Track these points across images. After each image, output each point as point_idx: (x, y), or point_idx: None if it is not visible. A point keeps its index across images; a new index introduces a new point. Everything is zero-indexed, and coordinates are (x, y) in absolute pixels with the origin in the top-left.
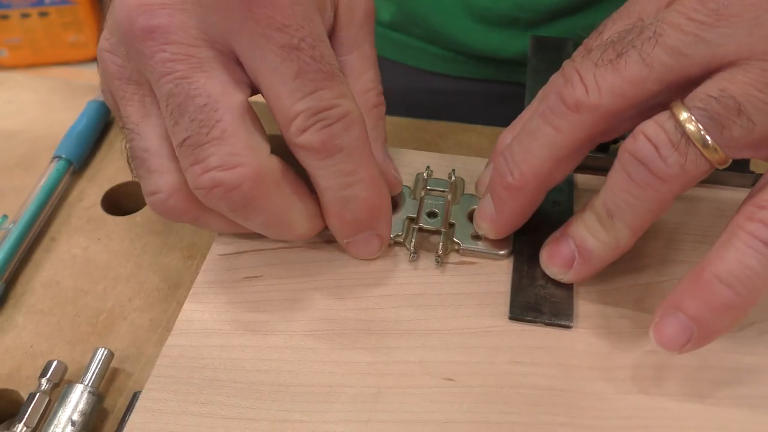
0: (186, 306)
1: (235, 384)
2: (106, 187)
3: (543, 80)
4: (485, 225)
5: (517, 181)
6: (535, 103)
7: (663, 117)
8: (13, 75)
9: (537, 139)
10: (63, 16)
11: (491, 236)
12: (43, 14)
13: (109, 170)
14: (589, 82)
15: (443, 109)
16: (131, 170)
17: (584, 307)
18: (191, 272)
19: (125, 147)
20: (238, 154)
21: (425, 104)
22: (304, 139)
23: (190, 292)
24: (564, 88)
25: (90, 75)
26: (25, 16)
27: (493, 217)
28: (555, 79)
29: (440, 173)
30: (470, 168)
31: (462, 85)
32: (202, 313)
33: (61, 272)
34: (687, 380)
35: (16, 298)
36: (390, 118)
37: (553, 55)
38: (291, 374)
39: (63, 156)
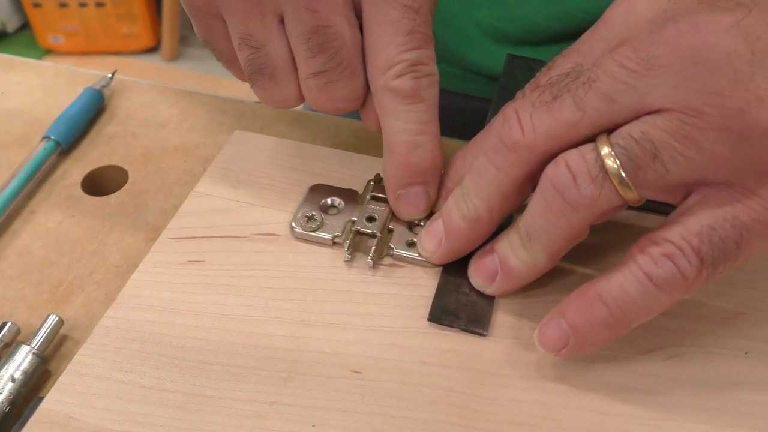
0: (130, 282)
1: (159, 357)
2: (89, 168)
3: (509, 99)
4: (431, 246)
5: (470, 212)
6: (485, 129)
7: (587, 149)
8: (26, 60)
9: (483, 176)
10: (118, 8)
11: (434, 260)
12: (99, 5)
13: (94, 154)
14: (525, 123)
15: (451, 126)
16: (251, 79)
17: (502, 317)
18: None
19: (246, 59)
20: (359, 89)
21: None
22: (398, 82)
23: (137, 269)
24: (502, 128)
25: (139, 66)
26: (83, 5)
27: (441, 241)
28: (496, 118)
29: None
30: None
31: (471, 104)
32: (142, 290)
33: (34, 243)
34: (578, 392)
35: None
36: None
37: (525, 74)
38: (211, 353)
39: (52, 137)
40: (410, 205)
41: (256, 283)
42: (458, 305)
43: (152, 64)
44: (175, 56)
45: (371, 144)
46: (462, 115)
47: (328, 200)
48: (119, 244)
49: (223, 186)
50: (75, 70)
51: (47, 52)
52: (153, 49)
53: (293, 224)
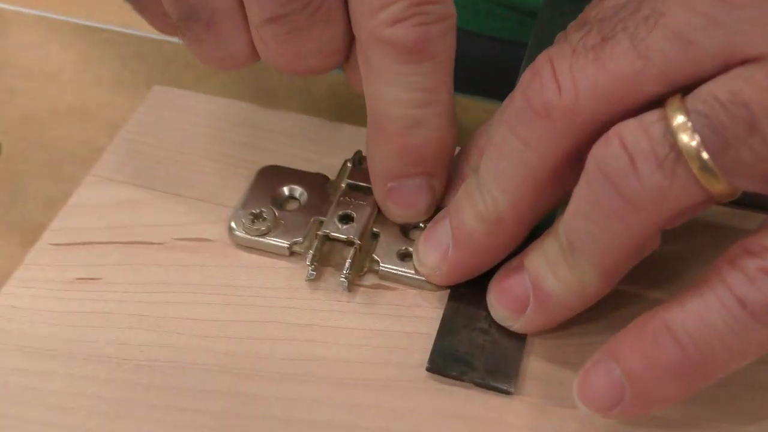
0: None
1: (27, 425)
2: None
3: (551, 43)
4: (432, 260)
5: (488, 210)
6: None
7: (651, 117)
8: None
9: (505, 156)
10: None
11: (437, 280)
12: None
13: None
14: (563, 77)
15: (470, 84)
16: (181, 30)
17: (535, 365)
18: None
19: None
20: (337, 40)
21: None
22: (394, 31)
23: (0, 290)
24: (530, 86)
25: None
26: None
27: (448, 252)
28: (525, 73)
29: None
30: None
31: (498, 50)
32: (8, 322)
33: None
34: None
35: None
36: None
37: (575, 7)
38: (106, 418)
39: None
40: (405, 203)
41: (177, 313)
42: (471, 348)
43: None
44: None
45: (355, 106)
46: (486, 67)
47: (285, 190)
48: None
49: (132, 167)
50: None
51: None
52: None
53: (233, 225)
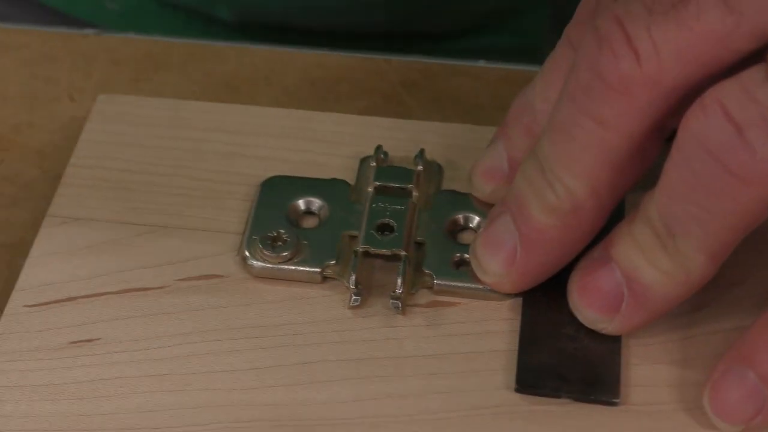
0: None
1: None
2: None
3: None
4: (497, 266)
5: (561, 199)
6: (561, 49)
7: (753, 78)
8: None
9: (575, 138)
10: None
11: (506, 287)
12: None
13: None
14: (640, 43)
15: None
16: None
17: (636, 370)
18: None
19: None
20: None
21: None
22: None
23: None
24: (600, 56)
25: None
26: None
27: (515, 254)
28: (586, 36)
29: (401, 153)
30: (453, 143)
31: None
32: (3, 405)
33: None
34: None
35: None
36: (323, 54)
37: None
38: None
39: None
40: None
41: (204, 366)
42: (561, 359)
43: None
44: None
45: (339, 91)
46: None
47: (300, 204)
48: None
49: (98, 200)
50: None
51: None
52: None
53: (247, 254)
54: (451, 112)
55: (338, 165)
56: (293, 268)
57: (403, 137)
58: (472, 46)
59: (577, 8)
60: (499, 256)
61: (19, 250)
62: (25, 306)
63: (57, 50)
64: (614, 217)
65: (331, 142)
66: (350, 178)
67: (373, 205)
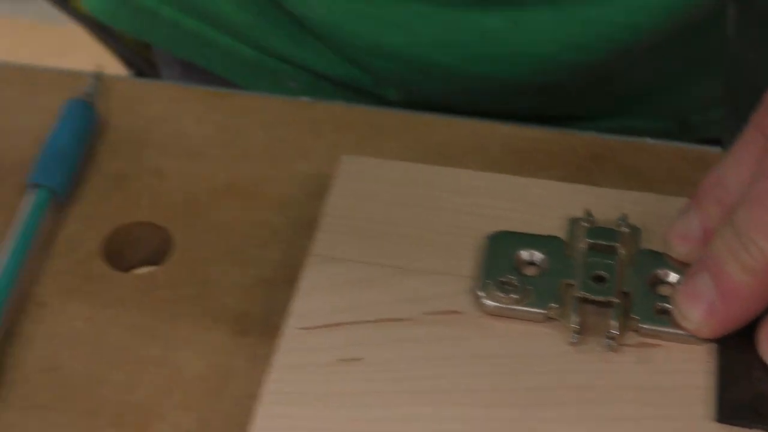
0: (266, 397)
1: None
2: (107, 229)
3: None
4: (698, 315)
5: (757, 260)
6: (751, 133)
7: None
8: None
9: None
10: None
11: (705, 333)
12: None
13: (107, 206)
14: None
15: None
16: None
17: None
18: (245, 354)
19: None
20: None
21: None
22: None
23: (267, 383)
24: None
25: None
26: None
27: (715, 306)
28: None
29: (601, 217)
30: (647, 210)
31: None
32: (287, 408)
33: (61, 352)
34: None
35: (7, 388)
36: (521, 127)
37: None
38: None
39: (42, 183)
40: None
41: (450, 385)
42: (756, 395)
43: None
44: None
45: (535, 160)
46: None
47: (524, 254)
48: (194, 344)
49: (351, 245)
50: (26, 69)
51: None
52: None
53: (481, 294)
54: (633, 183)
55: (550, 225)
56: (523, 308)
57: (603, 203)
58: (626, 124)
59: (763, 98)
60: (700, 308)
61: (274, 283)
62: (299, 328)
63: (290, 115)
64: None
65: (543, 205)
66: (562, 236)
67: (588, 259)
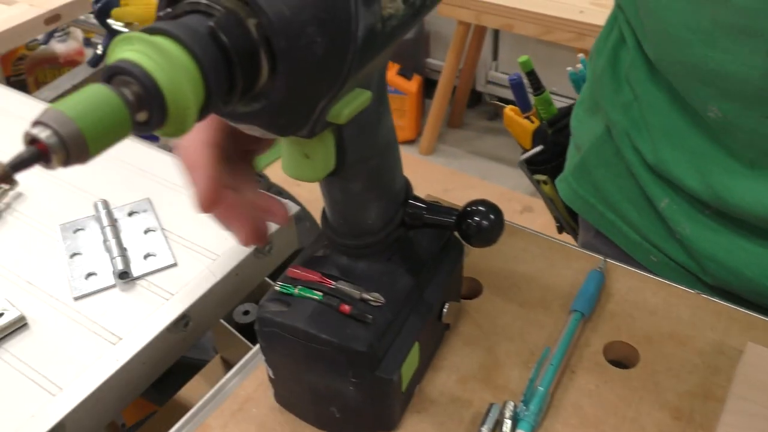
0: None
1: None
2: (605, 341)
3: None
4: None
5: None
6: None
7: None
8: None
9: None
10: (393, 102)
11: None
12: None
13: (605, 327)
14: None
15: None
16: None
17: None
18: None
19: None
20: None
21: None
22: None
23: None
24: None
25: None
26: None
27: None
28: None
29: None
30: None
31: None
32: None
33: (582, 400)
34: None
35: None
36: None
37: None
38: None
39: (578, 310)
40: None
41: None
42: None
43: (409, 155)
44: (431, 151)
45: None
46: None
47: None
48: (650, 415)
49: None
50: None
51: None
52: (412, 142)
53: None
54: None
55: None
56: None
57: None
58: None
59: None
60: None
61: None
62: None
63: (723, 312)
64: None
65: None
66: None
67: None
